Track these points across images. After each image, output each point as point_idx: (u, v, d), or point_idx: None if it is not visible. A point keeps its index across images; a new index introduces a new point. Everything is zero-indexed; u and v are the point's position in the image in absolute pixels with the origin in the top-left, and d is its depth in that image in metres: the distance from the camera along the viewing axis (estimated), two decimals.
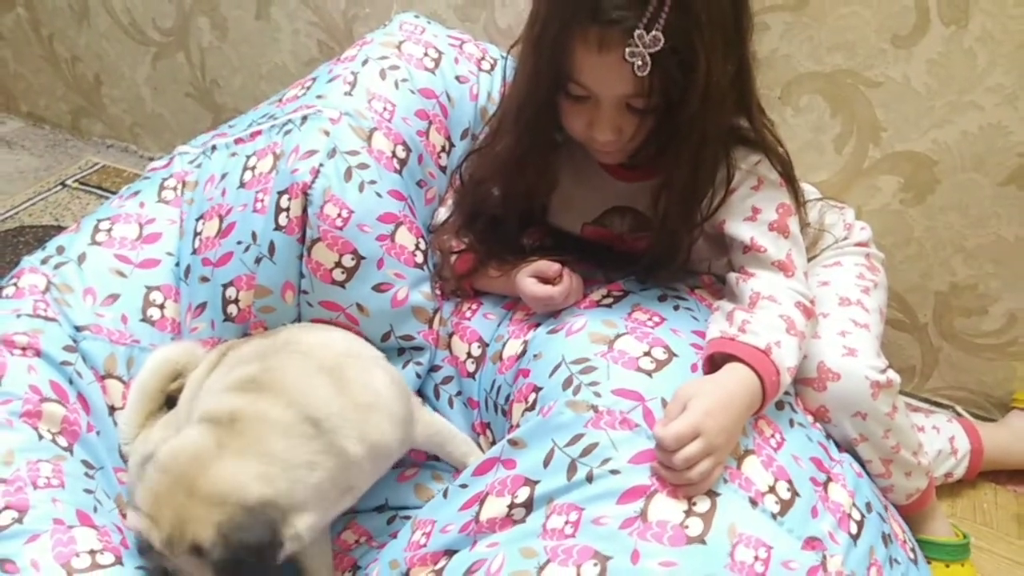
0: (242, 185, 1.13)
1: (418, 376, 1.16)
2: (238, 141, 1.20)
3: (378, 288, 1.09)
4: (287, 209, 1.06)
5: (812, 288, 1.04)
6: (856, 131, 1.30)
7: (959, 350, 1.41)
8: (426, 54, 1.25)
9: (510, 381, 1.05)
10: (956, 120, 1.22)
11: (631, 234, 1.12)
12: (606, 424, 0.87)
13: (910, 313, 1.41)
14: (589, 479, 0.84)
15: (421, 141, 1.18)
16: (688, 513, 0.81)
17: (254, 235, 1.08)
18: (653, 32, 0.84)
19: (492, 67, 1.33)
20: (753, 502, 0.83)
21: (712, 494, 0.82)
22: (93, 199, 1.98)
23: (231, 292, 1.10)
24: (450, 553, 0.88)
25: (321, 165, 1.07)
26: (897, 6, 1.19)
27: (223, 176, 1.17)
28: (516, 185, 1.09)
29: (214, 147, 1.23)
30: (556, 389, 0.94)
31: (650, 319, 1.01)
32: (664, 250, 1.04)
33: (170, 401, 1.06)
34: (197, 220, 1.16)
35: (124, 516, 0.96)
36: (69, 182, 2.05)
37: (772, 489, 0.85)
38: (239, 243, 1.10)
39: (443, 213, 1.22)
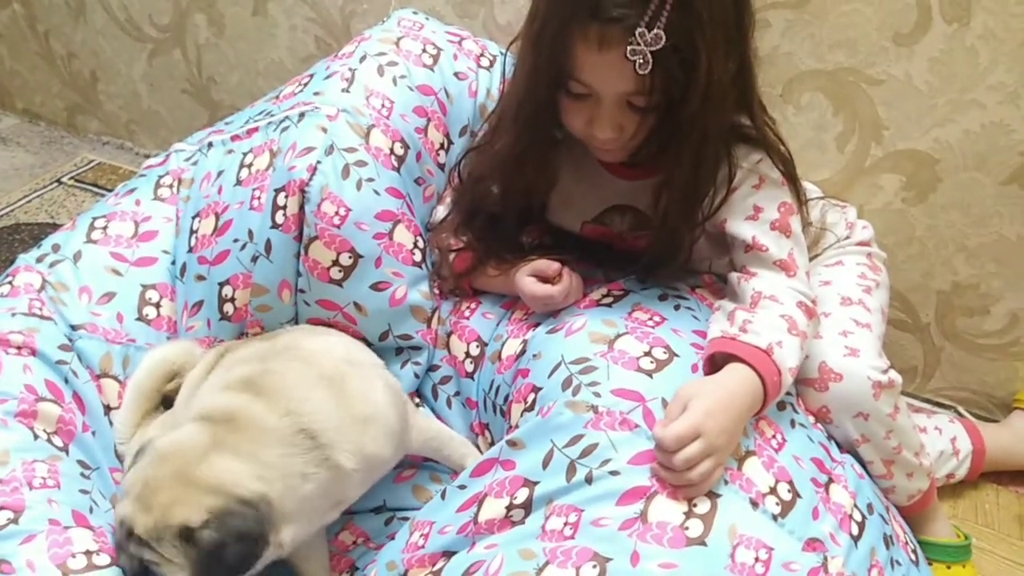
0: (238, 182, 1.12)
1: (416, 376, 1.15)
2: (235, 138, 1.19)
3: (376, 287, 1.08)
4: (284, 207, 1.06)
5: (814, 288, 1.03)
6: (858, 129, 1.30)
7: (961, 350, 1.40)
8: (424, 50, 1.24)
9: (509, 381, 1.05)
10: (958, 118, 1.22)
11: (631, 233, 1.12)
12: (606, 425, 0.86)
13: (912, 313, 1.41)
14: (588, 480, 0.83)
15: (419, 138, 1.17)
16: (688, 514, 0.80)
17: (250, 233, 1.08)
18: (655, 30, 0.83)
19: (491, 64, 1.32)
20: (754, 503, 0.83)
21: (712, 495, 0.82)
22: (89, 196, 1.97)
23: (227, 291, 1.09)
24: (448, 554, 0.88)
25: (318, 162, 1.06)
26: (899, 4, 1.18)
27: (219, 173, 1.16)
28: (515, 183, 1.08)
29: (210, 144, 1.23)
30: (555, 389, 0.93)
31: (650, 319, 1.00)
32: (665, 249, 1.04)
33: (167, 401, 1.06)
34: (193, 218, 1.16)
35: None
36: (65, 179, 2.04)
37: (773, 490, 0.85)
38: (235, 241, 1.09)
39: (441, 211, 1.21)
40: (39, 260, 1.11)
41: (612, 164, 1.07)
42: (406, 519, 1.02)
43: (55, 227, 1.73)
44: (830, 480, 0.92)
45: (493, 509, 0.86)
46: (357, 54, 1.21)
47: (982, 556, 1.21)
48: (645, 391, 0.89)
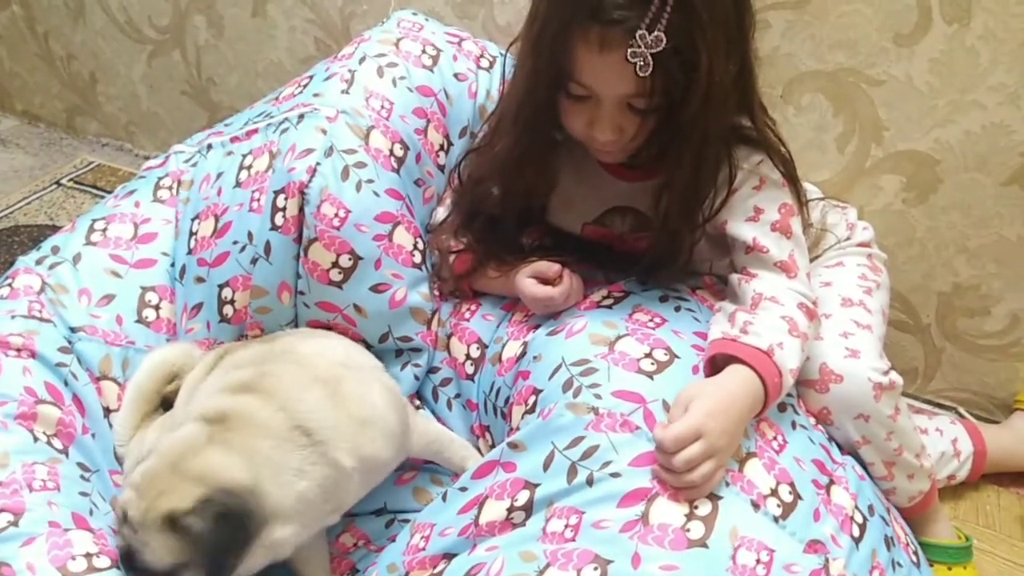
0: (238, 184, 1.12)
1: (416, 378, 1.15)
2: (234, 140, 1.19)
3: (376, 289, 1.08)
4: (283, 208, 1.05)
5: (814, 289, 1.03)
6: (858, 130, 1.30)
7: (962, 351, 1.40)
8: (424, 51, 1.24)
9: (509, 383, 1.05)
10: (958, 119, 1.22)
11: (632, 234, 1.12)
12: (607, 426, 0.86)
13: (912, 314, 1.40)
14: (589, 482, 0.83)
15: (419, 139, 1.17)
16: (689, 516, 0.80)
17: (250, 235, 1.08)
18: (656, 32, 0.83)
19: (491, 65, 1.32)
20: (755, 505, 0.83)
21: (714, 497, 0.82)
22: (88, 198, 1.96)
23: (227, 293, 1.09)
24: (449, 557, 0.88)
25: (318, 164, 1.06)
26: (899, 4, 1.18)
27: (219, 175, 1.16)
28: (515, 184, 1.08)
29: (210, 146, 1.22)
30: (556, 391, 0.93)
31: (651, 320, 1.00)
32: (665, 250, 1.04)
33: (166, 403, 1.06)
34: (193, 220, 1.15)
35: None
36: (64, 181, 2.04)
37: (774, 492, 0.85)
38: (235, 243, 1.09)
39: (441, 212, 1.21)
40: (38, 262, 1.11)
41: (612, 165, 1.07)
42: (407, 521, 1.02)
43: (54, 229, 1.73)
44: (831, 482, 0.92)
45: (494, 511, 0.86)
46: (356, 55, 1.21)
47: (983, 557, 1.20)
48: (646, 393, 0.89)
